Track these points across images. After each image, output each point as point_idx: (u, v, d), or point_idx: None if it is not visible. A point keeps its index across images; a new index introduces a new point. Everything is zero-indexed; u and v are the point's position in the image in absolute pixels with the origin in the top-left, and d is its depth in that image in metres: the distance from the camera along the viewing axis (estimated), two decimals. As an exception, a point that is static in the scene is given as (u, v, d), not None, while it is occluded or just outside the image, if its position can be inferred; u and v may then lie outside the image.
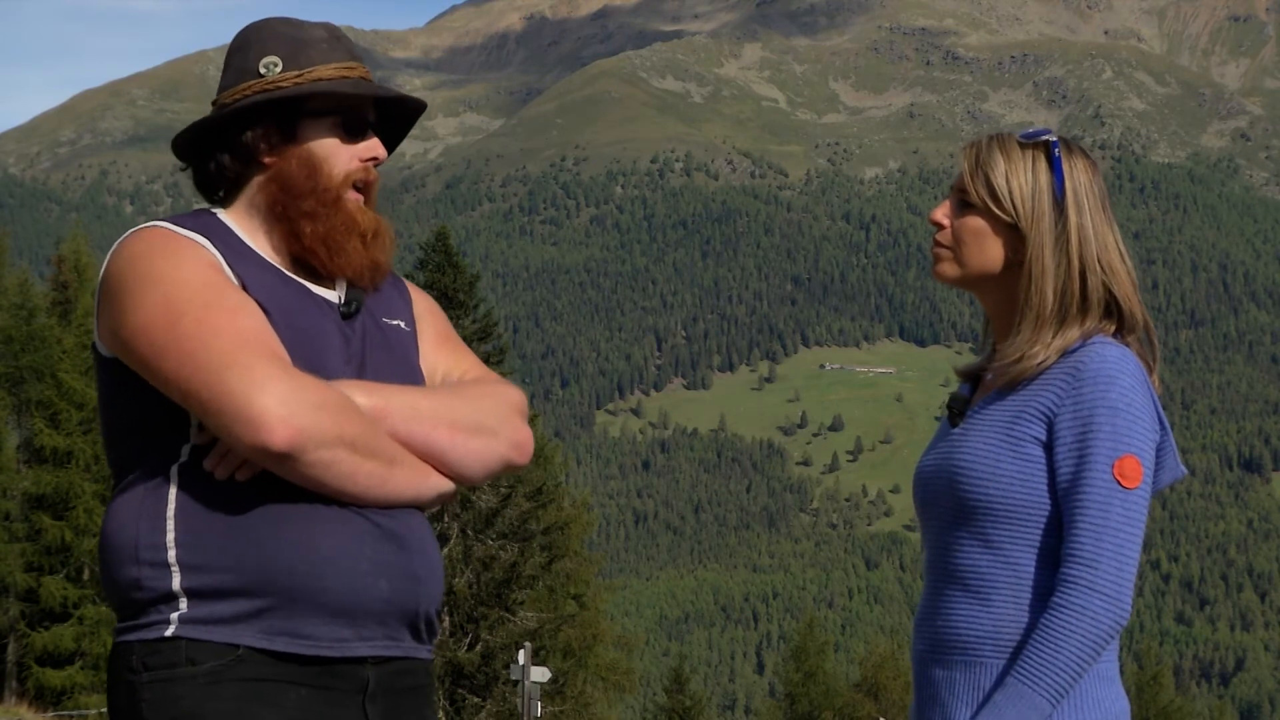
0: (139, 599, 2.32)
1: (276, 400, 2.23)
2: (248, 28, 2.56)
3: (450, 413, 2.44)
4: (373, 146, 2.52)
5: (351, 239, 2.46)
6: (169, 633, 2.29)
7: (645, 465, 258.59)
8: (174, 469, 2.34)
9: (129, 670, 2.31)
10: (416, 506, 2.45)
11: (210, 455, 2.32)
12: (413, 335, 2.59)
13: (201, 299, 2.30)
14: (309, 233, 2.44)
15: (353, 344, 2.46)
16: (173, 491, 2.33)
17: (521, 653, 24.83)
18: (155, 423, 2.36)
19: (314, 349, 2.39)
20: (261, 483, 2.31)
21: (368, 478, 2.32)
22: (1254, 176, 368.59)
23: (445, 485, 2.44)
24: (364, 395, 2.35)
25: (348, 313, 2.48)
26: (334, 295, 2.50)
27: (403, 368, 2.52)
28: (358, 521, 2.35)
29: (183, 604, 2.29)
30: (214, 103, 2.53)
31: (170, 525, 2.31)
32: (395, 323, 2.56)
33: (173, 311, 2.28)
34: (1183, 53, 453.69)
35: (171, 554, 2.30)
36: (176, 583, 2.29)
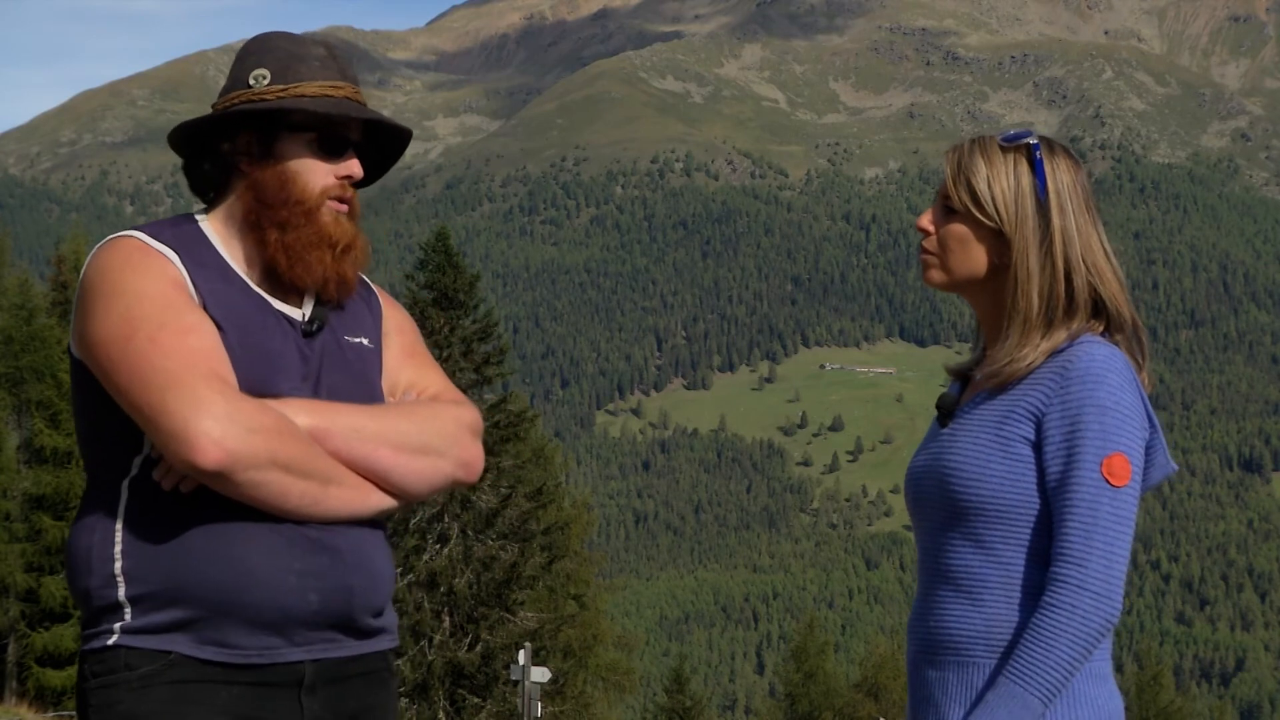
0: (92, 609, 2.41)
1: (211, 422, 2.28)
2: (251, 40, 2.63)
3: (394, 433, 2.48)
4: (349, 166, 2.55)
5: (317, 251, 2.50)
6: (110, 642, 2.38)
7: (645, 465, 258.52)
8: (125, 482, 2.42)
9: (82, 679, 2.42)
10: (372, 519, 2.51)
11: (158, 467, 2.39)
12: (376, 352, 2.63)
13: (157, 318, 2.35)
14: (274, 240, 2.49)
15: (310, 362, 2.51)
16: (123, 504, 2.41)
17: (522, 653, 24.82)
18: (112, 432, 2.43)
19: (269, 367, 2.45)
20: (203, 497, 2.37)
21: (301, 497, 2.38)
22: (1254, 176, 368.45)
23: (387, 502, 2.50)
24: (307, 416, 2.40)
25: (309, 331, 2.52)
26: (299, 312, 2.54)
27: (360, 386, 2.55)
28: (290, 534, 2.40)
29: (126, 613, 2.38)
30: (213, 107, 2.60)
31: (118, 537, 2.39)
32: (358, 340, 2.60)
33: (129, 327, 2.35)
34: (1183, 53, 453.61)
35: (118, 565, 2.38)
36: (122, 592, 2.37)
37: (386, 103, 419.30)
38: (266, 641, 2.38)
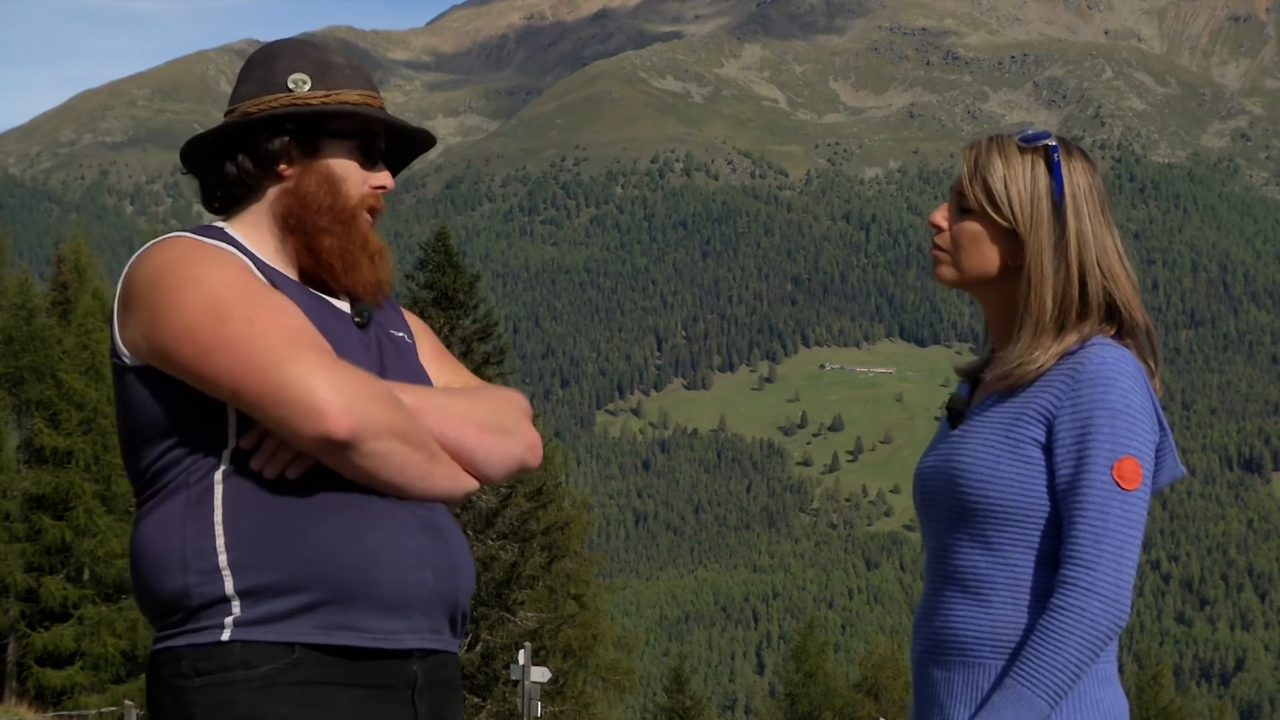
0: (189, 605, 2.33)
1: (335, 391, 2.26)
2: (271, 44, 2.62)
3: (475, 413, 2.49)
4: (383, 176, 2.58)
5: (364, 257, 2.52)
6: (224, 637, 2.30)
7: (645, 465, 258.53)
8: (217, 474, 2.36)
9: (179, 675, 2.31)
10: (447, 503, 2.50)
11: (258, 455, 2.35)
12: (414, 348, 2.65)
13: (248, 298, 2.33)
14: (326, 247, 2.49)
15: (371, 351, 2.51)
16: (218, 497, 2.35)
17: (521, 653, 24.82)
18: (192, 430, 2.37)
19: (341, 355, 2.41)
20: (308, 480, 2.35)
21: (415, 469, 2.36)
22: (1254, 176, 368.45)
23: (472, 484, 2.49)
24: (401, 393, 2.40)
25: (362, 323, 2.53)
26: (344, 307, 2.55)
27: (416, 375, 2.56)
28: (403, 514, 2.39)
29: (235, 607, 2.31)
30: (229, 111, 2.55)
31: (219, 530, 2.33)
32: (399, 334, 2.62)
33: (219, 312, 2.31)
34: (1183, 53, 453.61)
35: (223, 558, 2.32)
36: (229, 587, 2.31)
37: (387, 102, 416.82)
38: (390, 625, 2.36)
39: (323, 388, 2.26)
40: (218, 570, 2.32)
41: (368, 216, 2.54)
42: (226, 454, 2.36)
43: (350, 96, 2.53)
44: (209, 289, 2.33)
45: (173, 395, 2.37)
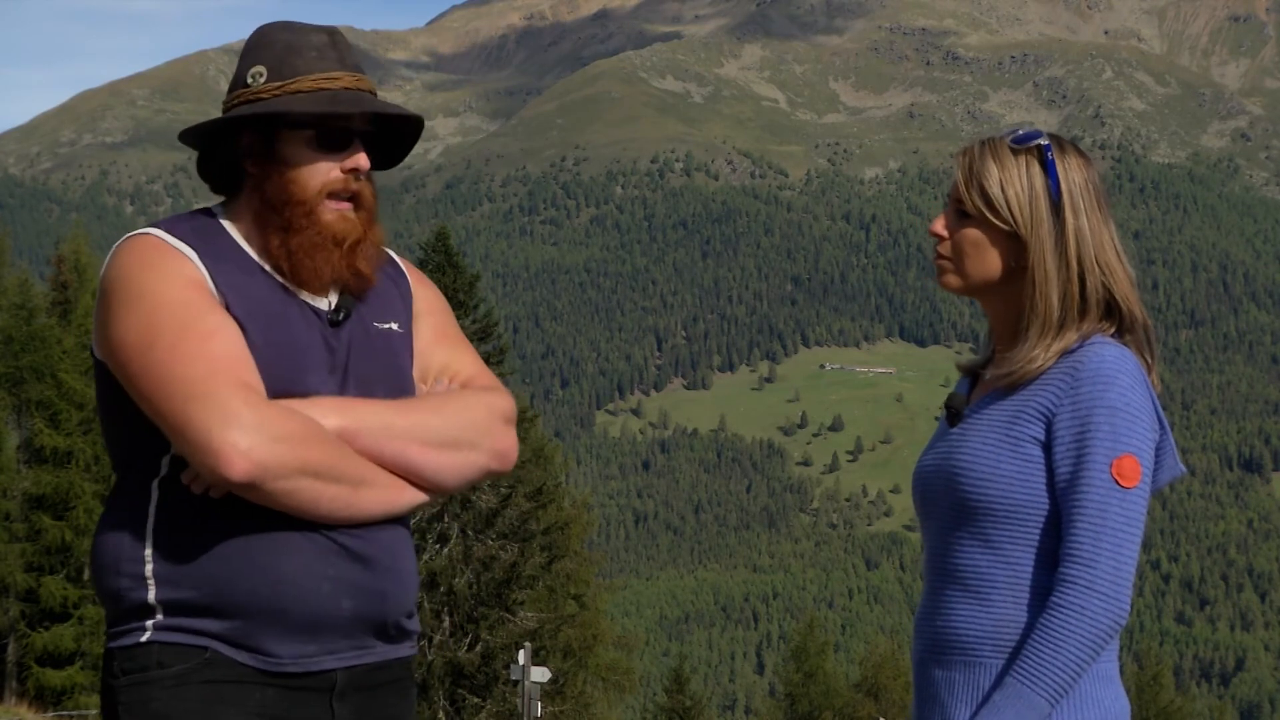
0: (120, 609, 2.38)
1: (238, 433, 2.24)
2: (254, 32, 2.56)
3: (424, 429, 2.44)
4: (354, 159, 2.48)
5: (323, 252, 2.45)
6: (144, 639, 2.35)
7: (645, 465, 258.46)
8: (155, 483, 2.39)
9: (110, 675, 2.38)
10: (397, 517, 2.48)
11: (187, 470, 2.35)
12: (406, 337, 2.58)
13: (178, 323, 2.31)
14: (275, 245, 2.45)
15: (338, 353, 2.46)
16: (153, 506, 2.38)
17: (521, 653, 24.82)
18: (139, 431, 2.39)
19: (295, 362, 2.40)
20: (235, 501, 2.34)
21: (332, 502, 2.35)
22: (1254, 176, 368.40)
23: (420, 498, 2.47)
24: (336, 416, 2.37)
25: (336, 320, 2.48)
26: (324, 302, 2.49)
27: (390, 375, 2.51)
28: (323, 543, 2.37)
29: (158, 614, 2.35)
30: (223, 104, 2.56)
31: (149, 540, 2.37)
32: (387, 326, 2.55)
33: (149, 334, 2.31)
34: (1183, 53, 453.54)
35: (149, 568, 2.36)
36: (152, 595, 2.35)
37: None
38: (301, 650, 2.36)
39: (224, 430, 2.24)
40: (144, 578, 2.36)
41: (338, 205, 2.47)
42: (166, 460, 2.38)
43: (303, 84, 2.45)
44: (147, 307, 2.33)
45: (126, 396, 2.39)
